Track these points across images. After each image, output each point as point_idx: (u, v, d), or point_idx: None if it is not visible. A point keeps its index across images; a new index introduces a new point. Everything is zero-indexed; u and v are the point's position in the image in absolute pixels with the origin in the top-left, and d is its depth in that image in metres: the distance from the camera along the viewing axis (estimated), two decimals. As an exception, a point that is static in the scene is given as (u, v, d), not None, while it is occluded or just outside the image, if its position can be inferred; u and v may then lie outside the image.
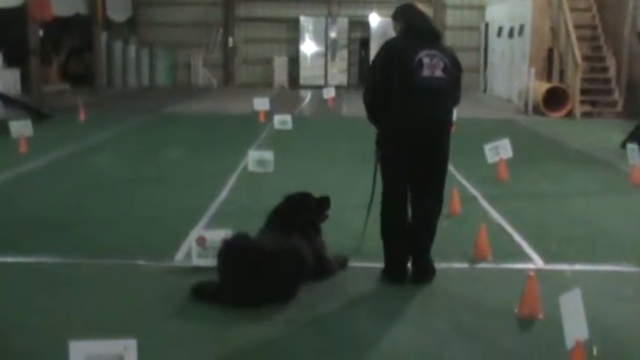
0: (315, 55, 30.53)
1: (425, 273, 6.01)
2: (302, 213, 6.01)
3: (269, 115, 16.93)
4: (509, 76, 24.63)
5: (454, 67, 6.07)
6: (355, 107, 22.12)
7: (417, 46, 5.91)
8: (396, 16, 6.23)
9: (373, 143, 6.12)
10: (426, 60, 5.87)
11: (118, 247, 6.89)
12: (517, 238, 7.39)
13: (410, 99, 5.86)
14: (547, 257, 6.73)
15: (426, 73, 5.85)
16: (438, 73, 5.90)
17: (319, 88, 26.17)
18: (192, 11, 30.14)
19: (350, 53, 30.63)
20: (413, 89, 5.86)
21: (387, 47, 6.11)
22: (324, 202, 6.25)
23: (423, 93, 5.87)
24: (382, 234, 6.10)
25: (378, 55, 6.13)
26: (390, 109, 5.91)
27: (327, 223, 6.28)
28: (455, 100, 6.21)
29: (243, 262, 5.40)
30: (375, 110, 6.07)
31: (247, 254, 5.46)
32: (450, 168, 11.28)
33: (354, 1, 30.34)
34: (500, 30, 26.20)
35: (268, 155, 10.23)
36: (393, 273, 6.01)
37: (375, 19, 30.40)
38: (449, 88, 6.03)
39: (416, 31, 6.04)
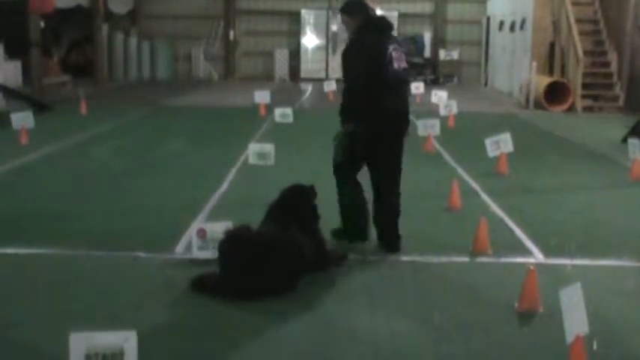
0: (316, 48, 30.49)
1: (394, 243, 6.50)
2: (302, 205, 6.00)
3: (270, 108, 16.91)
4: (511, 70, 24.59)
5: (407, 56, 6.53)
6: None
7: (384, 40, 6.25)
8: (351, 12, 6.37)
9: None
10: (394, 54, 6.20)
11: (118, 239, 6.89)
12: (517, 231, 7.38)
13: (385, 92, 6.16)
14: (547, 251, 6.72)
15: (396, 66, 6.20)
16: (403, 64, 6.29)
17: (320, 81, 26.13)
18: (193, 4, 30.07)
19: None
20: (387, 83, 6.15)
21: (359, 43, 6.28)
22: (312, 192, 6.25)
23: (395, 86, 6.23)
24: (346, 210, 6.51)
25: (352, 53, 6.27)
26: (369, 102, 6.16)
27: (328, 214, 6.28)
28: None
29: (244, 253, 5.40)
30: (353, 108, 6.28)
31: (248, 246, 5.46)
32: (451, 162, 11.36)
33: (356, -5, 30.29)
34: (501, 24, 26.15)
35: (269, 148, 10.22)
36: (354, 235, 6.52)
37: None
38: (408, 77, 6.58)
39: (377, 25, 6.33)
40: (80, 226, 7.40)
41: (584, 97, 19.91)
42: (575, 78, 19.74)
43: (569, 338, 4.24)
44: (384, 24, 6.42)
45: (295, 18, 30.28)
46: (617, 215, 8.27)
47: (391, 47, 6.19)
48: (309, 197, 6.12)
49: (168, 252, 6.49)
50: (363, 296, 5.53)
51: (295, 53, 30.26)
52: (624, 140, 13.58)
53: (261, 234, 5.72)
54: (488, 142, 10.64)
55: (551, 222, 7.86)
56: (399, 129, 6.39)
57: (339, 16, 6.62)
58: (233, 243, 5.52)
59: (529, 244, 6.97)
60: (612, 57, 20.52)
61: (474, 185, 9.61)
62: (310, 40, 30.49)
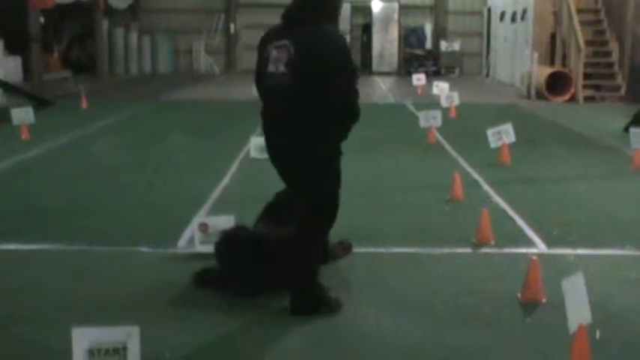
0: (317, 41, 30.41)
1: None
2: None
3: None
4: (512, 61, 24.56)
5: (305, 60, 4.52)
6: (357, 93, 22.07)
7: (272, 34, 4.79)
8: None
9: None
10: (274, 53, 4.63)
11: (120, 234, 6.89)
12: (520, 222, 7.37)
13: (264, 101, 4.88)
14: (550, 241, 6.71)
15: (271, 68, 4.66)
16: (282, 67, 4.57)
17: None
18: (194, -3, 30.06)
19: (352, 39, 30.50)
20: (260, 90, 4.88)
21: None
22: None
23: (267, 93, 4.80)
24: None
25: None
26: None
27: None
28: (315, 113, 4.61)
29: (255, 258, 5.33)
30: None
31: (248, 248, 5.38)
32: (453, 152, 11.34)
33: (356, -13, 30.25)
34: (502, 15, 26.10)
35: (270, 141, 10.20)
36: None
37: (377, 5, 30.28)
38: (297, 90, 4.56)
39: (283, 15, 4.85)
40: (82, 221, 7.39)
41: (585, 87, 19.86)
42: (577, 68, 19.70)
43: (572, 328, 4.23)
44: (285, 13, 4.81)
45: (296, 11, 30.18)
46: (619, 205, 8.26)
47: (274, 44, 4.62)
48: None
49: (170, 246, 6.48)
50: (366, 289, 5.52)
51: (296, 46, 30.17)
52: (626, 130, 13.56)
53: (267, 237, 5.45)
54: (490, 132, 10.63)
55: (553, 212, 7.84)
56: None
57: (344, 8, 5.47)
58: (232, 246, 5.45)
59: (531, 234, 6.96)
60: (613, 47, 20.46)
61: (476, 176, 9.60)
62: (311, 32, 30.41)
